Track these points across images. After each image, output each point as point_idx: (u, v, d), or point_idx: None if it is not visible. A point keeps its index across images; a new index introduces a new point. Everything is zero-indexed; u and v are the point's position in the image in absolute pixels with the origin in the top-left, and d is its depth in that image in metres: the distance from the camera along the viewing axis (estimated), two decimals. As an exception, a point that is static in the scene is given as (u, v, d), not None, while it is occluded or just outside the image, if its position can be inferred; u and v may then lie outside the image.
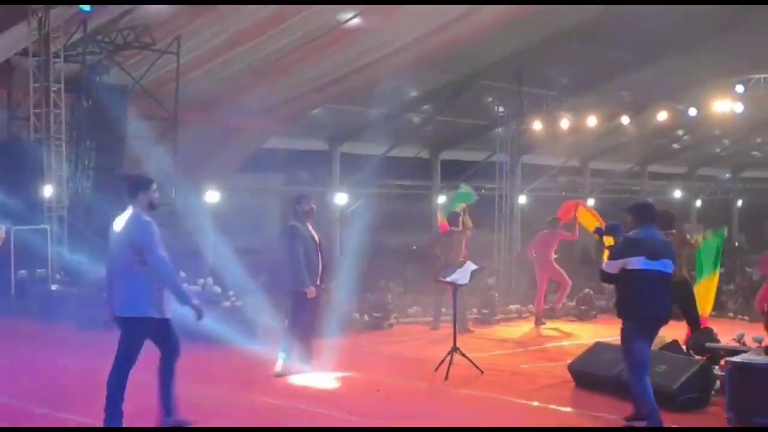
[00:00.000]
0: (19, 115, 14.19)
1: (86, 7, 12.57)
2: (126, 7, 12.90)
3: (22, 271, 12.65)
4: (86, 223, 14.23)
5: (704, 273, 10.16)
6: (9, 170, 13.30)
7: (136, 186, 6.18)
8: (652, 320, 6.61)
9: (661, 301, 6.57)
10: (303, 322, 8.42)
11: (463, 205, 13.09)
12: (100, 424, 6.16)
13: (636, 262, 6.43)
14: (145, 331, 6.06)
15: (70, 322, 10.95)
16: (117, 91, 14.82)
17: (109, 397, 6.02)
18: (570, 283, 13.35)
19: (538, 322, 13.06)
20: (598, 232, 7.24)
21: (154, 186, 6.20)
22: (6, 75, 13.99)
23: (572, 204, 13.52)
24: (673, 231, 9.75)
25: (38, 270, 12.80)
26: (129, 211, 6.13)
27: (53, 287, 12.48)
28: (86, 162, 14.84)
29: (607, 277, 6.73)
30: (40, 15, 12.89)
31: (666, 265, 6.53)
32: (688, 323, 9.52)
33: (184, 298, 6.07)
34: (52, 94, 13.26)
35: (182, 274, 12.73)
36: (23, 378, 8.10)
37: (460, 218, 12.49)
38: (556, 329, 12.86)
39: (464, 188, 14.26)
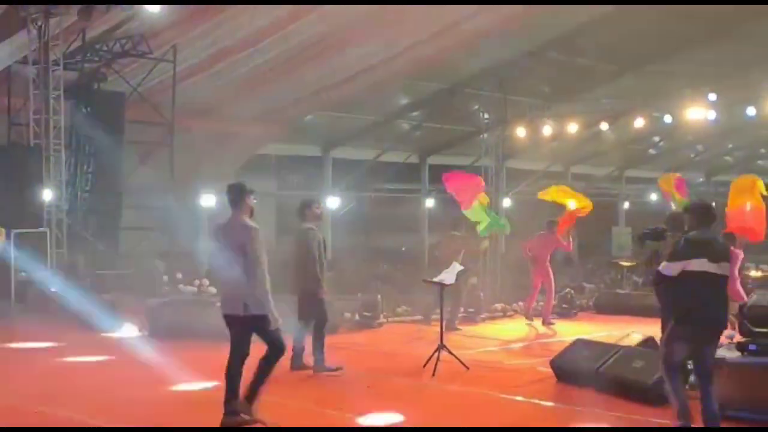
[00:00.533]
0: (19, 121, 14.14)
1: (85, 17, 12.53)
2: (124, 16, 12.89)
3: (23, 274, 12.60)
4: (85, 226, 14.20)
5: None
6: (9, 175, 13.26)
7: (238, 193, 6.38)
8: (710, 324, 6.11)
9: (720, 304, 6.12)
10: (317, 320, 8.52)
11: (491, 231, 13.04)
12: (100, 424, 6.15)
13: (698, 264, 6.00)
14: (252, 327, 6.24)
15: (70, 324, 10.94)
16: (115, 98, 14.80)
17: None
18: (553, 294, 13.34)
19: (528, 318, 13.11)
20: (643, 237, 6.77)
21: (254, 194, 6.44)
22: (6, 82, 13.97)
23: (568, 219, 13.45)
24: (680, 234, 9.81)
25: (38, 272, 12.75)
26: (234, 217, 6.33)
27: (53, 289, 12.43)
28: (85, 167, 14.79)
29: (663, 281, 6.20)
30: (39, 24, 12.87)
31: (725, 269, 6.14)
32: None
33: (265, 306, 6.15)
34: (52, 101, 13.24)
35: (179, 275, 12.81)
36: (23, 377, 8.09)
37: (463, 223, 12.58)
38: (540, 327, 12.94)
39: (503, 220, 13.99)
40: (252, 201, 6.43)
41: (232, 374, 6.25)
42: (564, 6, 13.97)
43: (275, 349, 6.25)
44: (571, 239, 13.38)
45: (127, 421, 6.22)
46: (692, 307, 6.03)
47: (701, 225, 6.22)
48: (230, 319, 6.28)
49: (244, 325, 6.20)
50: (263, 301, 6.10)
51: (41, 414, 6.73)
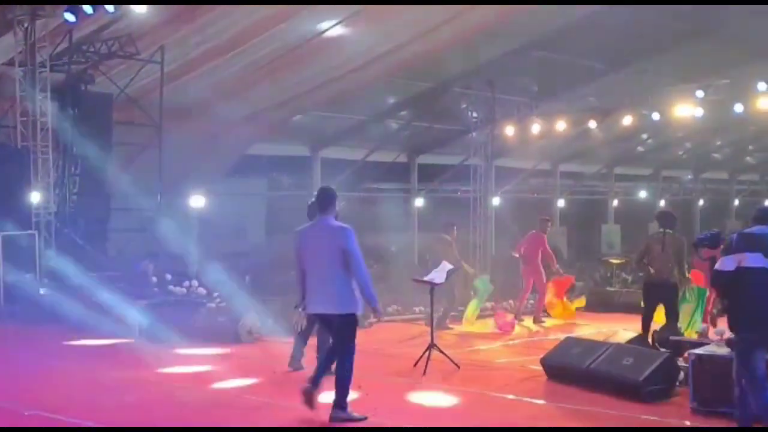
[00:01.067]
0: (6, 123, 14.04)
1: (71, 17, 12.49)
2: (110, 17, 12.81)
3: (11, 276, 12.52)
4: (73, 228, 14.11)
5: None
6: (-3, 177, 13.17)
7: (330, 198, 6.68)
8: None
9: None
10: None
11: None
12: (88, 424, 6.12)
13: (754, 259, 5.73)
14: (355, 324, 6.60)
15: (58, 326, 10.88)
16: (102, 99, 14.70)
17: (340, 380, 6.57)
18: (546, 292, 13.37)
19: (518, 317, 13.12)
20: (698, 243, 6.54)
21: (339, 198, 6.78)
22: (-7, 84, 13.88)
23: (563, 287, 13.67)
24: (670, 231, 9.75)
25: (26, 275, 12.67)
26: (324, 220, 6.61)
27: (41, 291, 12.36)
28: (72, 169, 14.72)
29: (722, 279, 5.88)
30: (26, 26, 12.79)
31: None
32: (668, 323, 9.54)
33: (374, 300, 6.60)
34: (39, 103, 13.14)
35: (168, 276, 12.75)
36: (12, 380, 8.02)
37: (454, 228, 12.60)
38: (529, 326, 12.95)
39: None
40: (339, 205, 6.76)
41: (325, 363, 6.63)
42: (552, 5, 13.98)
43: (350, 349, 6.55)
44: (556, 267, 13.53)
45: (118, 422, 6.19)
46: (755, 311, 5.76)
47: (756, 224, 6.05)
48: (327, 318, 6.62)
49: (341, 321, 6.49)
50: (371, 294, 6.50)
51: (30, 415, 6.68)
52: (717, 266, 5.91)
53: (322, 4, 13.00)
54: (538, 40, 16.01)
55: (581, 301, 14.27)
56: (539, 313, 13.21)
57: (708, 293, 9.99)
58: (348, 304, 6.48)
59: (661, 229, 9.82)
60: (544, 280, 13.30)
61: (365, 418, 6.58)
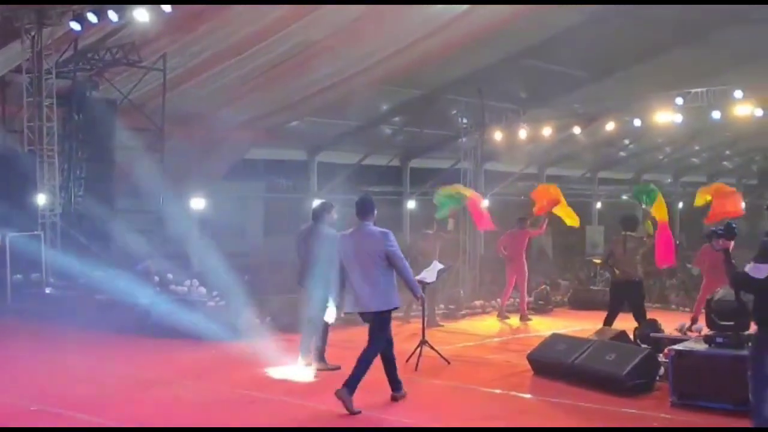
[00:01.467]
0: (13, 128, 14.01)
1: (76, 26, 12.48)
2: (115, 25, 12.79)
3: (18, 276, 12.48)
4: (78, 229, 14.07)
5: None
6: (4, 181, 13.11)
7: (370, 207, 7.12)
8: None
9: None
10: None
11: (451, 210, 12.79)
12: (94, 420, 6.09)
13: None
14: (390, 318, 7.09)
15: (64, 324, 10.84)
16: (106, 105, 14.68)
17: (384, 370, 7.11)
18: (526, 289, 13.23)
19: (502, 316, 13.11)
20: (713, 234, 6.23)
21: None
22: (1, 91, 13.82)
23: (547, 194, 12.80)
24: (634, 234, 10.01)
25: (33, 274, 12.63)
26: (365, 226, 7.05)
27: (47, 290, 12.32)
28: (77, 172, 14.68)
29: (751, 284, 5.53)
30: (33, 34, 12.77)
31: None
32: (637, 320, 9.64)
33: (417, 290, 7.38)
34: (45, 109, 13.12)
35: (169, 276, 12.69)
36: (19, 376, 7.99)
37: (434, 221, 12.54)
38: (516, 323, 12.95)
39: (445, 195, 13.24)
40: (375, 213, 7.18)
41: (387, 360, 7.05)
42: (539, 15, 14.01)
43: (381, 341, 6.95)
44: (545, 223, 13.20)
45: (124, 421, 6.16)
46: None
47: None
48: (369, 316, 7.00)
49: (382, 318, 6.93)
50: (415, 284, 7.24)
51: (37, 411, 6.65)
52: (749, 270, 5.49)
53: (321, 4, 12.96)
54: (525, 50, 16.07)
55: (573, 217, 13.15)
56: (525, 310, 13.14)
57: (704, 282, 10.16)
58: (387, 302, 6.93)
59: (624, 232, 10.05)
60: (527, 278, 13.19)
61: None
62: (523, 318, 13.02)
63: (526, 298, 13.36)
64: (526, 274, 13.20)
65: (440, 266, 9.46)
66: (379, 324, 6.96)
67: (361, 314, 7.11)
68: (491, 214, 13.90)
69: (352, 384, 6.65)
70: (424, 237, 12.51)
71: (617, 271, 9.97)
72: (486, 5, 13.28)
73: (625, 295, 9.88)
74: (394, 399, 7.03)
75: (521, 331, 12.17)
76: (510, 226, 13.71)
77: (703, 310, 8.33)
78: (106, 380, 7.91)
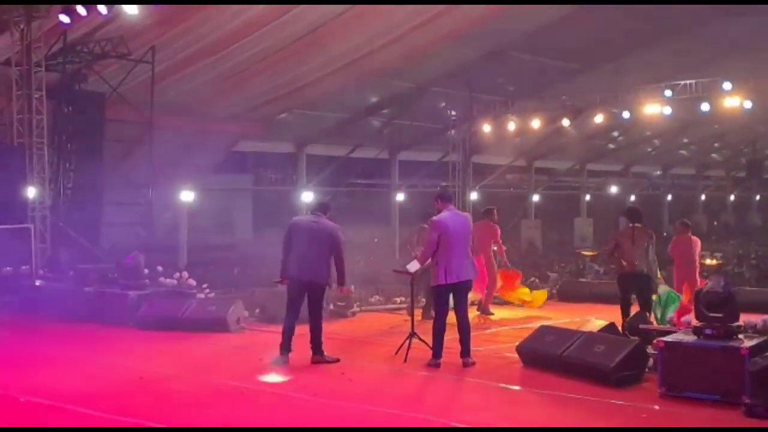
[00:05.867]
0: (3, 121, 13.88)
1: (65, 19, 12.38)
2: (103, 18, 12.69)
3: (8, 268, 12.38)
4: (67, 221, 13.99)
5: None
6: (-6, 173, 13.01)
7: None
8: None
9: None
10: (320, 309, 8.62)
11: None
12: (84, 411, 6.04)
13: None
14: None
15: (53, 315, 10.77)
16: (95, 97, 14.62)
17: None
18: (496, 285, 12.57)
19: (485, 312, 12.61)
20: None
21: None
22: (-10, 84, 13.68)
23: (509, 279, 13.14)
24: (639, 225, 9.91)
25: (23, 266, 12.54)
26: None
27: (37, 283, 12.25)
28: (67, 164, 14.60)
29: None
30: (22, 27, 12.66)
31: None
32: (643, 312, 9.57)
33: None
34: (35, 101, 13.03)
35: (159, 268, 12.64)
36: (10, 369, 7.93)
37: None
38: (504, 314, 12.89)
39: None
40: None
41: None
42: (527, 6, 13.99)
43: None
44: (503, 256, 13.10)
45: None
46: None
47: None
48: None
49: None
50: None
51: (26, 402, 6.60)
52: None
53: (309, 4, 12.92)
54: (513, 42, 16.05)
55: (542, 293, 13.52)
56: (488, 304, 12.59)
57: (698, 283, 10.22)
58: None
59: (630, 224, 10.01)
60: (495, 271, 12.67)
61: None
62: (484, 312, 12.42)
63: (492, 293, 12.84)
64: (495, 267, 12.64)
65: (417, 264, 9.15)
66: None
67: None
68: (479, 206, 13.75)
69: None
70: (422, 231, 12.30)
71: (625, 263, 9.82)
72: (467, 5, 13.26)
73: (634, 287, 9.81)
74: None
75: (508, 323, 12.09)
76: (499, 220, 13.51)
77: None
78: (96, 372, 7.86)
